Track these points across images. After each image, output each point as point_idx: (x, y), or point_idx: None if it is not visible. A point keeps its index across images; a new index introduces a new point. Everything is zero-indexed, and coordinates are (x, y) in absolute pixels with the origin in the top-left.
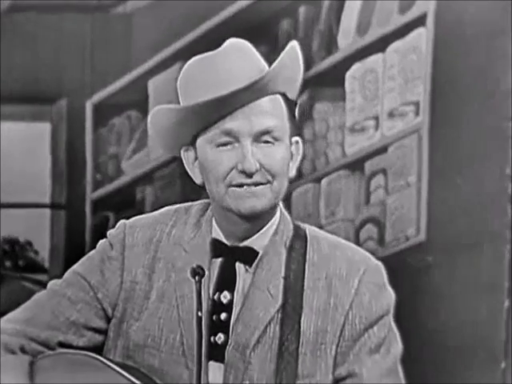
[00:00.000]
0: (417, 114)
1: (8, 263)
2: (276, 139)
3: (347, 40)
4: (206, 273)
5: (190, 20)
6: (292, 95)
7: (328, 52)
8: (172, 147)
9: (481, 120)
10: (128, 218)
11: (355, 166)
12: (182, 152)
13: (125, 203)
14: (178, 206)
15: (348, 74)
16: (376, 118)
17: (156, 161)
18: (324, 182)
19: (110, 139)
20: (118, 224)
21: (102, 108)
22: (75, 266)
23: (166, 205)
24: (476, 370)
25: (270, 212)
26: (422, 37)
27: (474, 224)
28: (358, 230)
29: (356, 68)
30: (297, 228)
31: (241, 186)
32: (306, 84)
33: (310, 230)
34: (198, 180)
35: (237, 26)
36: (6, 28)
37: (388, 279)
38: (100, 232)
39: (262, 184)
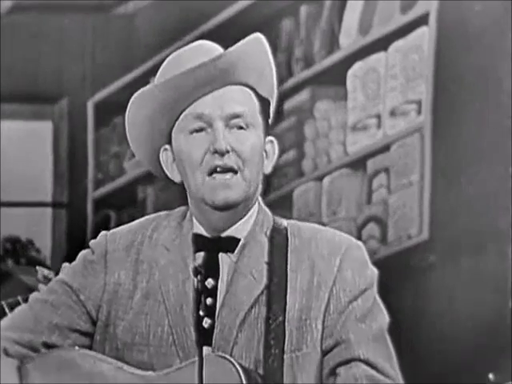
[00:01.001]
0: (419, 112)
1: (10, 262)
2: (247, 125)
3: (349, 39)
4: (190, 266)
5: (192, 20)
6: (264, 92)
7: (330, 51)
8: (149, 151)
9: (483, 119)
10: (130, 217)
11: (357, 164)
12: (161, 153)
13: (126, 202)
14: (157, 213)
15: (350, 73)
16: (378, 117)
17: None
18: (326, 180)
19: (112, 138)
20: (100, 234)
21: (104, 107)
22: (58, 275)
23: (168, 204)
24: (480, 370)
25: (245, 203)
26: (424, 36)
27: (477, 223)
28: (360, 228)
29: (358, 67)
30: (276, 220)
31: (215, 170)
32: (308, 83)
33: (289, 221)
34: (176, 178)
35: (238, 26)
36: (8, 28)
37: (390, 278)
38: (101, 231)
39: (233, 171)
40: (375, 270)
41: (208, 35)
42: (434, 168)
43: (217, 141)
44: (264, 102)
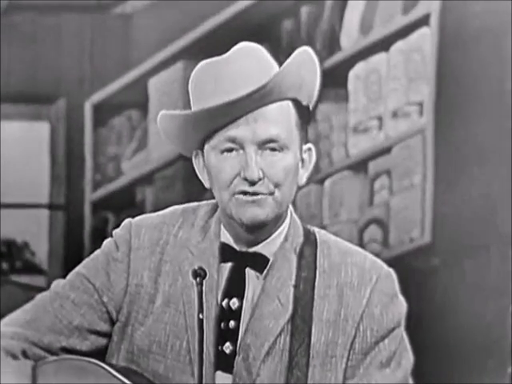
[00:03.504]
0: (421, 114)
1: (4, 265)
2: (281, 148)
3: (350, 40)
4: (214, 276)
5: (191, 20)
6: (305, 100)
7: (331, 52)
8: (182, 150)
9: (485, 120)
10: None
11: (359, 166)
12: (193, 157)
13: (125, 204)
14: (185, 206)
15: (351, 74)
16: (380, 119)
17: (156, 161)
18: (327, 182)
19: (110, 139)
20: (124, 223)
21: (102, 108)
22: (79, 268)
23: (167, 206)
24: (483, 374)
25: (275, 221)
26: (425, 37)
27: (479, 225)
28: (361, 231)
29: (359, 68)
30: (307, 233)
31: (244, 193)
32: None
33: (320, 234)
34: (207, 184)
35: (238, 26)
36: (6, 28)
37: None
38: (99, 233)
39: (263, 194)
40: (404, 303)
41: (207, 36)
42: (436, 170)
43: (248, 168)
44: (303, 111)
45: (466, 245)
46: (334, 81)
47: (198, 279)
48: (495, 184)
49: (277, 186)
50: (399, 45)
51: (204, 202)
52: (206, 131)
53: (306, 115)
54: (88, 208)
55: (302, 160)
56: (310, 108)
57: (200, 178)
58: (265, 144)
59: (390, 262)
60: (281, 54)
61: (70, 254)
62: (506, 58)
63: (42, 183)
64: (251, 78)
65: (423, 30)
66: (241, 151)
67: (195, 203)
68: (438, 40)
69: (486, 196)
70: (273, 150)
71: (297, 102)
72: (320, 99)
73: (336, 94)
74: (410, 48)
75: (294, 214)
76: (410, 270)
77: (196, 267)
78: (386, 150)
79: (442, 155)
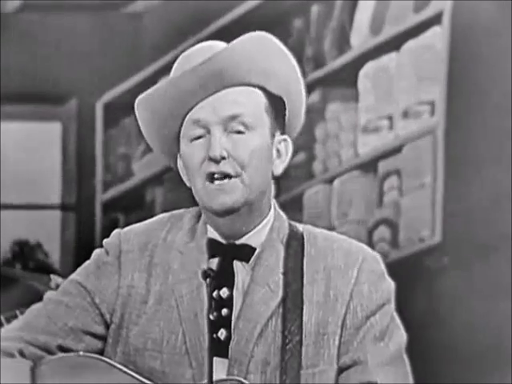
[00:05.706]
0: (432, 113)
1: (18, 266)
2: (247, 128)
3: (360, 38)
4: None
5: (201, 19)
6: (275, 90)
7: (340, 51)
8: (166, 155)
9: (497, 120)
10: (138, 220)
11: (368, 166)
12: (178, 159)
13: (135, 204)
14: (172, 212)
15: (361, 73)
16: (390, 118)
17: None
18: (336, 182)
19: (121, 139)
20: (113, 233)
21: (113, 108)
22: (71, 276)
23: (176, 206)
24: (491, 373)
25: (250, 208)
26: (436, 35)
27: (489, 225)
28: (370, 231)
29: (369, 67)
30: (292, 226)
31: (212, 177)
32: (318, 83)
33: (305, 227)
34: (188, 183)
35: (248, 25)
36: (17, 28)
37: (402, 281)
38: (110, 234)
39: (230, 176)
40: (392, 283)
41: (217, 34)
42: (446, 170)
43: (211, 147)
44: (274, 100)
45: (475, 245)
46: (344, 80)
47: (207, 280)
48: (506, 184)
49: (243, 167)
50: (410, 44)
51: (190, 208)
52: (175, 119)
53: (279, 106)
54: (99, 208)
55: (278, 150)
56: (285, 100)
57: (182, 178)
58: (229, 122)
59: (400, 262)
60: (290, 52)
61: (81, 254)
62: None
63: (53, 184)
64: None
65: (434, 29)
66: (207, 135)
67: (181, 210)
68: (449, 39)
69: (497, 196)
70: (238, 132)
71: (267, 92)
72: (329, 98)
73: (345, 94)
74: (421, 47)
75: (278, 209)
76: (420, 269)
77: (205, 268)
78: (396, 150)
79: (453, 155)
